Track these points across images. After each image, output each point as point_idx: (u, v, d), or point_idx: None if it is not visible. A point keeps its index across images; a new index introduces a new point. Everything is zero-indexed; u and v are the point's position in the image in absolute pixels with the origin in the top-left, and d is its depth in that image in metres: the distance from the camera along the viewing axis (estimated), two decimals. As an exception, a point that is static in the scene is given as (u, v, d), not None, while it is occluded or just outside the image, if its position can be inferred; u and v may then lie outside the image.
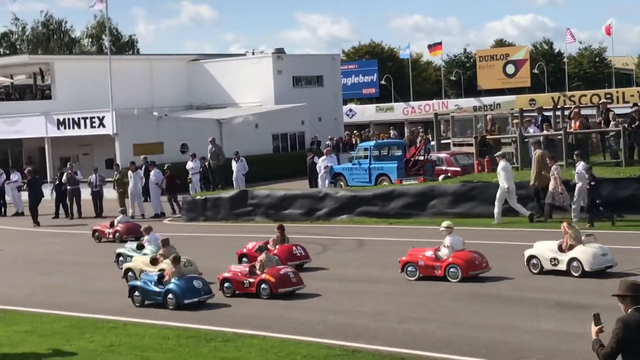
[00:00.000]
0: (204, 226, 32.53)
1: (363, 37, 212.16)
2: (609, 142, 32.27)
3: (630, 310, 8.29)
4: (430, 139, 44.52)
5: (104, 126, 46.36)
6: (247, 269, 19.07)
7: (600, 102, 43.89)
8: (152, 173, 37.06)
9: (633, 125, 30.56)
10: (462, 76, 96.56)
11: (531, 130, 33.65)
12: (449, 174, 34.80)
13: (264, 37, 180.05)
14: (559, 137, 32.07)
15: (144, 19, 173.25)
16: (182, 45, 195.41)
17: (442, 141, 40.93)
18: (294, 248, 22.04)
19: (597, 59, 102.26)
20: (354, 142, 54.61)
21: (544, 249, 19.55)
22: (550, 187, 26.59)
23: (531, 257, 19.65)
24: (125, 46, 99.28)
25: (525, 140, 32.72)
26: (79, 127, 47.41)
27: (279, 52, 60.50)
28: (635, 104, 37.47)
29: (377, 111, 79.38)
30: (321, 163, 38.16)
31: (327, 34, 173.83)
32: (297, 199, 32.94)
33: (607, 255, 18.88)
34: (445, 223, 20.00)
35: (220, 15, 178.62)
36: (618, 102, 61.35)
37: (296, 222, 31.24)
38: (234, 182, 39.58)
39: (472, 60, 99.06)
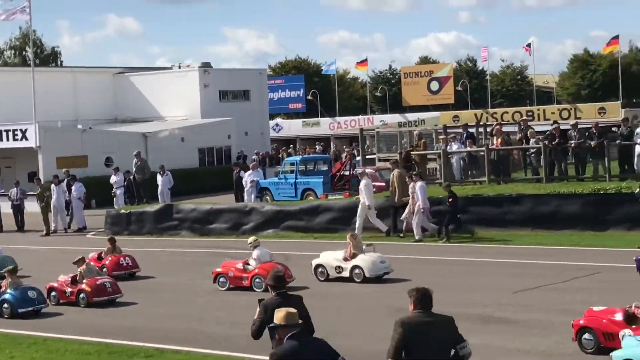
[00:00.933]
0: (127, 240, 31.96)
1: (289, 52, 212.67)
2: (530, 159, 32.75)
3: (273, 294, 10.34)
4: (356, 154, 44.68)
5: (26, 139, 45.64)
6: (70, 279, 20.39)
7: (521, 119, 44.52)
8: (73, 187, 36.60)
9: (553, 142, 31.06)
10: (387, 92, 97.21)
11: (455, 146, 34.01)
12: (374, 189, 34.90)
13: (191, 51, 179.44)
14: (482, 153, 32.47)
15: (69, 31, 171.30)
16: (107, 58, 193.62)
17: (368, 156, 41.09)
18: (121, 259, 23.92)
19: (518, 77, 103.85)
20: (280, 156, 54.60)
21: (330, 258, 21.58)
22: (409, 205, 27.50)
23: (318, 265, 21.56)
24: (48, 58, 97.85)
25: (449, 156, 33.09)
26: (0, 139, 46.60)
27: (206, 66, 60.32)
28: (555, 122, 38.08)
29: (303, 126, 79.50)
30: (247, 177, 37.97)
31: (253, 48, 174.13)
32: (223, 213, 32.81)
33: (385, 263, 21.14)
34: (251, 238, 21.95)
35: (146, 28, 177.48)
36: (539, 119, 62.43)
37: (222, 237, 31.17)
38: (159, 196, 39.19)
39: (397, 76, 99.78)
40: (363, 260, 21.01)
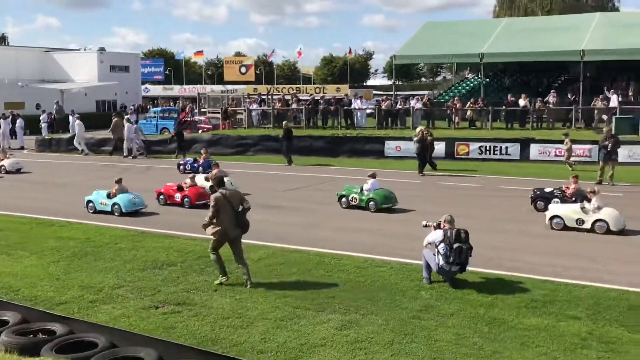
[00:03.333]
0: (48, 155, 30.15)
1: (155, 44, 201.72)
2: (297, 115, 33.10)
3: None
4: (194, 108, 43.64)
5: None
6: None
7: (292, 92, 44.69)
8: (17, 121, 33.94)
9: (310, 106, 31.44)
10: (215, 72, 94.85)
11: (254, 105, 33.89)
12: (205, 130, 34.38)
13: (91, 39, 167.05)
14: (269, 110, 32.55)
15: (12, 23, 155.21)
16: (38, 41, 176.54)
17: (202, 110, 40.35)
18: None
19: (293, 67, 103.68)
20: (148, 108, 52.32)
21: None
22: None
23: None
24: (1, 41, 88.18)
25: (252, 112, 32.94)
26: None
27: (101, 49, 56.63)
28: (311, 94, 38.62)
29: (163, 90, 76.53)
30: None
31: (132, 40, 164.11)
32: (109, 140, 31.32)
33: (19, 164, 23.07)
34: None
35: (62, 24, 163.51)
36: (303, 93, 61.98)
37: (109, 156, 29.72)
38: (70, 129, 36.83)
39: (221, 63, 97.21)
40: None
